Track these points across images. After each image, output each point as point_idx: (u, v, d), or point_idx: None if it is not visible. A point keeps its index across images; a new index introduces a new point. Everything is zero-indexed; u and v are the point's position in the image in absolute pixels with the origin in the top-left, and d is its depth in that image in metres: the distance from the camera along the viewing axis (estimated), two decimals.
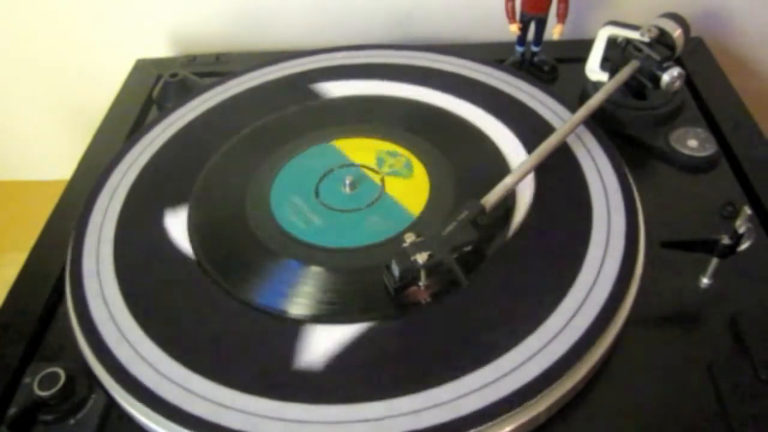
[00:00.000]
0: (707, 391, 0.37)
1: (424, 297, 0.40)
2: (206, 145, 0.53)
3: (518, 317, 0.39)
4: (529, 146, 0.50)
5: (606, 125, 0.53)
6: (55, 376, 0.37)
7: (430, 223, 0.43)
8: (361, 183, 0.48)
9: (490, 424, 0.34)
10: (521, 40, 0.62)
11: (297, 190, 0.49)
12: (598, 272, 0.40)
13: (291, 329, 0.39)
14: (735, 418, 0.35)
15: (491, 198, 0.43)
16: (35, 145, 0.87)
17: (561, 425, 0.36)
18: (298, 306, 0.41)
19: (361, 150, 0.51)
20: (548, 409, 0.36)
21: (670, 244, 0.43)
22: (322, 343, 0.39)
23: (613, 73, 0.54)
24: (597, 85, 0.55)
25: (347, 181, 0.48)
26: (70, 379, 0.37)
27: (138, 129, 0.58)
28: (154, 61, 0.70)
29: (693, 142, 0.52)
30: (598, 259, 0.41)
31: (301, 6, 0.71)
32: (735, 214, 0.42)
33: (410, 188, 0.47)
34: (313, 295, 0.41)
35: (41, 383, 0.37)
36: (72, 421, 0.37)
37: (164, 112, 0.58)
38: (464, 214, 0.41)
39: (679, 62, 0.55)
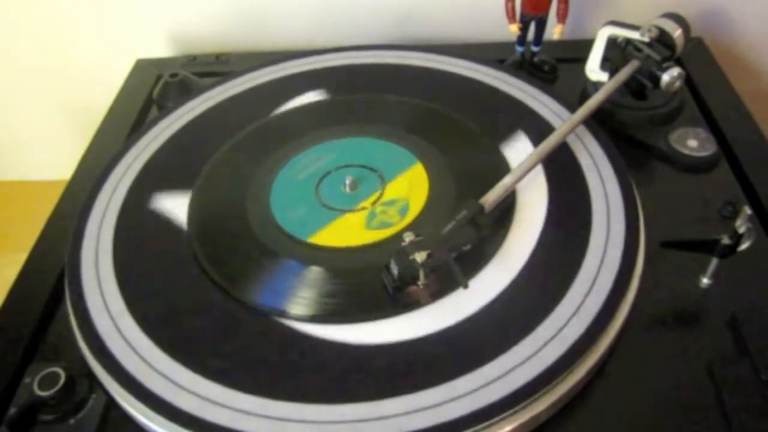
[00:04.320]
0: (707, 391, 0.37)
1: (423, 296, 0.40)
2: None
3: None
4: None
5: (606, 125, 0.53)
6: (55, 376, 0.37)
7: (429, 223, 0.44)
8: (359, 191, 0.48)
9: (490, 423, 0.34)
10: (521, 40, 0.62)
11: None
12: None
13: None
14: (735, 418, 0.35)
15: (490, 197, 0.43)
16: (35, 145, 0.87)
17: (561, 425, 0.36)
18: (298, 306, 0.41)
19: (411, 183, 0.48)
20: (548, 408, 0.36)
21: (670, 244, 0.43)
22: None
23: (613, 73, 0.54)
24: (597, 85, 0.55)
25: (347, 182, 0.48)
26: (70, 379, 0.37)
27: (138, 129, 0.58)
28: (154, 61, 0.70)
29: (693, 142, 0.52)
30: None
31: (301, 6, 0.71)
32: (735, 214, 0.42)
33: (344, 231, 0.45)
34: (312, 294, 0.41)
35: (41, 383, 0.37)
36: (72, 421, 0.37)
37: (164, 111, 0.58)
38: (463, 214, 0.41)
39: (679, 62, 0.55)
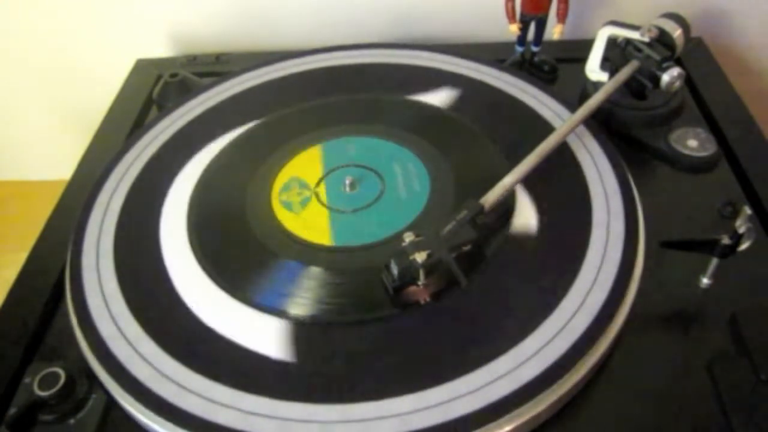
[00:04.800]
0: (707, 391, 0.37)
1: (423, 296, 0.40)
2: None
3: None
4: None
5: (606, 125, 0.53)
6: (55, 376, 0.37)
7: (429, 223, 0.44)
8: (362, 184, 0.48)
9: (490, 424, 0.34)
10: (521, 40, 0.62)
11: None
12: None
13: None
14: (735, 418, 0.35)
15: (490, 197, 0.43)
16: (35, 145, 0.87)
17: (561, 425, 0.36)
18: (298, 306, 0.41)
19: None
20: (548, 409, 0.36)
21: (670, 244, 0.43)
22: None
23: (613, 73, 0.54)
24: (597, 85, 0.55)
25: (347, 182, 0.48)
26: (70, 379, 0.37)
27: (138, 129, 0.58)
28: (154, 61, 0.70)
29: (693, 142, 0.52)
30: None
31: (301, 6, 0.71)
32: (735, 214, 0.42)
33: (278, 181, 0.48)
34: (312, 295, 0.41)
35: (41, 383, 0.37)
36: (72, 421, 0.37)
37: (164, 111, 0.58)
38: (463, 214, 0.41)
39: (679, 62, 0.55)
